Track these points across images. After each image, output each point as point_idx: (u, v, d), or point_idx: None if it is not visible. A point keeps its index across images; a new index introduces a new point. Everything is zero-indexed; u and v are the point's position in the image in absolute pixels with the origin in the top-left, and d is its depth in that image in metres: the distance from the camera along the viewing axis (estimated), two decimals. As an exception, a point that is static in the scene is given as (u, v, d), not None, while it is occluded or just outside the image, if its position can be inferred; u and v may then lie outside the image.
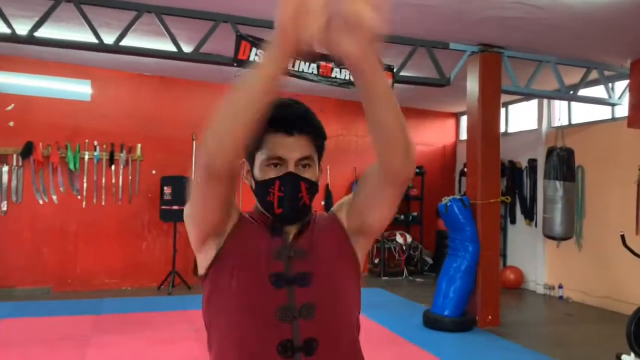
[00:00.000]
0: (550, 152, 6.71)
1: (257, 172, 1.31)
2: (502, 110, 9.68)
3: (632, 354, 4.95)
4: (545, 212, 6.69)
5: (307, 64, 5.74)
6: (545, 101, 8.40)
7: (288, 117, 1.27)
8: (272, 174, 1.28)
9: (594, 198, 7.56)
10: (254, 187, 1.34)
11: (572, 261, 7.95)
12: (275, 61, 1.04)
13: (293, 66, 5.59)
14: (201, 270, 1.34)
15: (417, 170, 10.08)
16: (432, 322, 6.11)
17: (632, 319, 5.00)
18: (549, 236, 6.70)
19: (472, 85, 6.42)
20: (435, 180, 10.27)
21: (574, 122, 8.17)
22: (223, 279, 1.28)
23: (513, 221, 9.35)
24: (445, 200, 6.40)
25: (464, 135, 9.75)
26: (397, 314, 6.81)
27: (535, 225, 8.54)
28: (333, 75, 5.95)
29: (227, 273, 1.28)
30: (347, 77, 5.96)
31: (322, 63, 5.78)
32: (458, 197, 6.39)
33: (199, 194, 1.20)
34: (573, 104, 7.98)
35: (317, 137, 1.33)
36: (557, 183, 6.55)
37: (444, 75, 6.27)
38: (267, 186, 1.28)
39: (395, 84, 6.45)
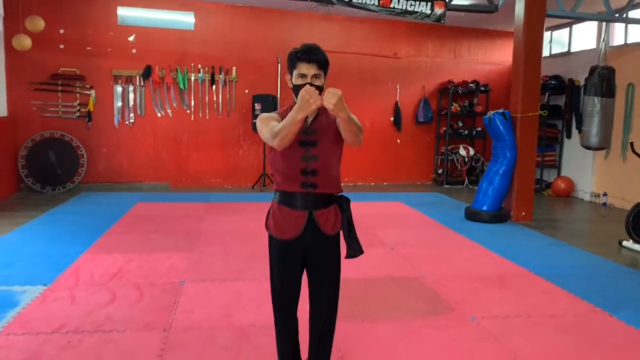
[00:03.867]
0: (592, 70, 7.38)
1: (294, 80, 2.46)
2: (566, 30, 10.18)
3: (630, 240, 5.98)
4: (583, 125, 7.49)
5: (369, -4, 6.75)
6: (604, 23, 8.83)
7: (307, 54, 2.42)
8: (300, 81, 2.43)
9: (640, 113, 8.18)
10: (292, 88, 2.50)
11: (617, 171, 8.72)
12: (301, 116, 2.23)
13: None
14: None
15: (483, 88, 10.91)
16: (472, 215, 7.35)
17: (631, 212, 6.00)
18: (586, 146, 7.52)
19: (519, 9, 7.18)
20: (500, 96, 10.99)
21: (629, 42, 8.62)
22: None
23: (569, 136, 10.08)
24: (489, 114, 7.42)
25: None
26: (446, 211, 8.06)
27: (587, 139, 9.25)
28: (392, 5, 6.94)
29: None
30: (404, 7, 6.95)
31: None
32: (500, 111, 7.37)
33: (268, 141, 2.44)
34: (630, 25, 8.41)
35: (323, 63, 2.45)
36: (596, 99, 7.29)
37: (492, 2, 7.06)
38: (299, 88, 2.38)
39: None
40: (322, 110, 2.50)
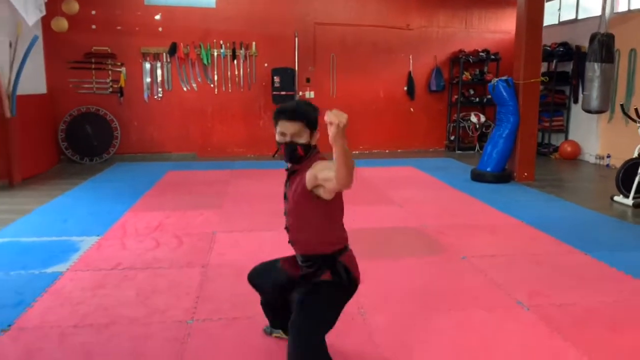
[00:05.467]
0: (592, 37, 7.76)
1: (277, 136, 2.41)
2: (572, -2, 10.43)
3: (621, 195, 6.49)
4: (584, 90, 7.91)
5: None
6: (608, -11, 9.13)
7: (284, 113, 2.38)
8: (280, 139, 2.40)
9: (642, 77, 8.55)
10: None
11: (620, 134, 9.13)
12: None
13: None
14: None
15: (493, 56, 11.29)
16: (477, 176, 7.91)
17: (621, 169, 6.50)
18: (587, 110, 7.94)
19: (522, -20, 7.58)
20: (510, 65, 11.30)
21: (632, 8, 8.94)
22: None
23: (576, 101, 10.46)
24: (494, 80, 7.90)
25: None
26: (455, 174, 8.61)
27: (592, 103, 9.64)
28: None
29: None
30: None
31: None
32: (504, 78, 7.84)
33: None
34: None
35: (306, 121, 2.37)
36: (596, 65, 7.68)
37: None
38: (279, 145, 2.40)
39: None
40: (306, 164, 2.41)
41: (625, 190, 6.42)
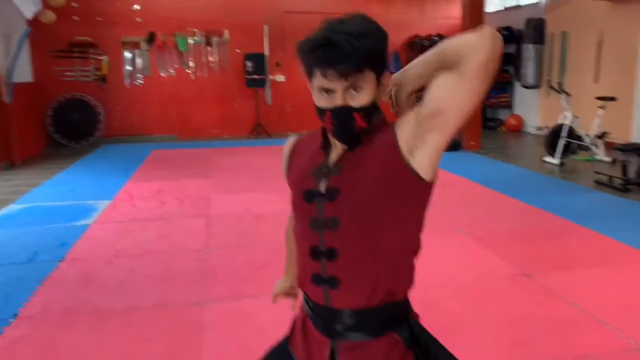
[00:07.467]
0: (528, 22, 8.93)
1: (315, 96, 1.23)
2: (513, -14, 11.57)
3: (549, 156, 7.66)
4: (522, 68, 9.09)
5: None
6: (543, -22, 10.31)
7: (326, 54, 1.15)
8: (323, 102, 1.21)
9: (573, 57, 9.77)
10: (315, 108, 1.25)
11: (556, 107, 10.35)
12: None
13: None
14: None
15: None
16: (431, 146, 8.98)
17: (550, 133, 7.66)
18: (524, 86, 9.14)
19: (465, -30, 8.64)
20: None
21: (564, -5, 10.14)
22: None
23: (519, 79, 11.66)
24: (444, 61, 8.96)
25: (487, 8, 11.78)
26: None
27: (532, 81, 10.85)
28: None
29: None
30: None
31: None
32: (452, 59, 8.91)
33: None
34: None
35: (366, 59, 1.16)
36: (530, 46, 8.87)
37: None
38: (321, 114, 1.22)
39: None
40: (369, 142, 1.25)
41: (552, 151, 7.59)
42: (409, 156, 1.20)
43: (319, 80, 1.19)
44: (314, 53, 1.18)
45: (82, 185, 6.74)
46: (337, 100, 1.18)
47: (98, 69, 10.51)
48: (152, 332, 2.91)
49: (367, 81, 1.19)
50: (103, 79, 10.53)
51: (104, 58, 10.50)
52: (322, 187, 1.26)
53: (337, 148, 1.28)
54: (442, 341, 1.33)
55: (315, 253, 1.27)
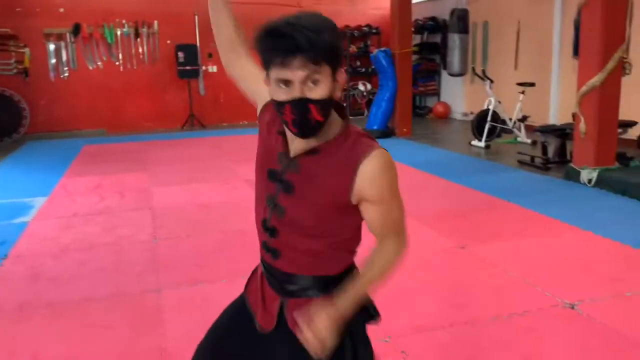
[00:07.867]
0: (452, 12, 9.39)
1: (271, 89, 1.27)
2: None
3: (476, 140, 8.14)
4: (447, 57, 9.55)
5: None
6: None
7: (282, 41, 1.19)
8: (281, 95, 1.23)
9: (494, 46, 10.36)
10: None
11: (480, 94, 10.93)
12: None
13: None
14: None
15: (374, 30, 12.73)
16: (365, 133, 9.28)
17: (476, 118, 8.15)
18: (450, 74, 9.62)
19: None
20: (389, 37, 12.85)
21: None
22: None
23: (445, 67, 12.20)
24: (375, 52, 9.28)
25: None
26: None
27: (457, 69, 11.39)
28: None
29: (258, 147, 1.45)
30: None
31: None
32: (383, 49, 9.25)
33: None
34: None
35: (324, 52, 1.20)
36: (455, 35, 9.33)
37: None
38: (280, 107, 1.25)
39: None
40: (335, 146, 1.33)
41: (479, 135, 8.07)
42: (355, 201, 1.34)
43: (277, 72, 1.22)
44: (275, 42, 1.20)
45: (14, 182, 6.50)
46: (295, 92, 1.21)
47: (20, 62, 10.03)
48: (112, 320, 2.95)
49: (324, 75, 1.22)
50: (25, 72, 10.07)
51: (26, 50, 10.04)
52: (282, 175, 1.35)
53: (294, 141, 1.34)
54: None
55: (264, 225, 1.41)
